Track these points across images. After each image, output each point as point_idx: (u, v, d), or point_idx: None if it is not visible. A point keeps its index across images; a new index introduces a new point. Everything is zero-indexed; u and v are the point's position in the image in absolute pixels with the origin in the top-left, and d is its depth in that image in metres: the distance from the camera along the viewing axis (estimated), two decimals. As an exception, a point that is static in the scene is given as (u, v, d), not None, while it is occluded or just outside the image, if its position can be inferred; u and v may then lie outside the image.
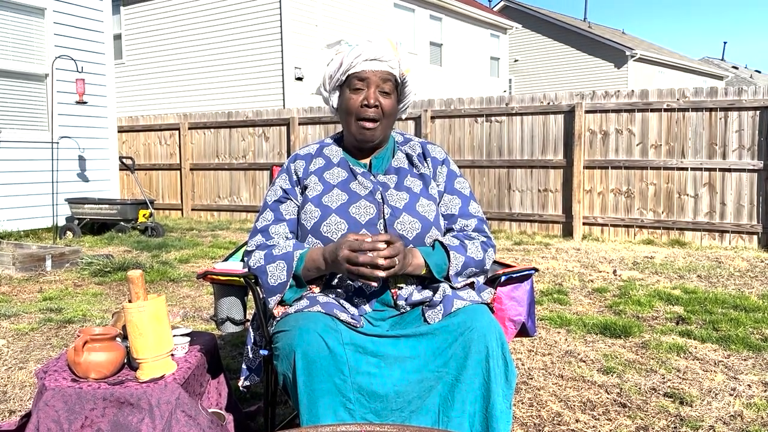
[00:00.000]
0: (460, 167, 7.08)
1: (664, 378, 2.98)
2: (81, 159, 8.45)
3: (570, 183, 7.98)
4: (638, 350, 3.40)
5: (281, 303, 1.85)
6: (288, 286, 1.83)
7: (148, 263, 5.89)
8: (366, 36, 1.96)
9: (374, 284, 1.77)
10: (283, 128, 9.98)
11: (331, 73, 1.95)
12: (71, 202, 8.10)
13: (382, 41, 1.93)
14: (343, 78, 1.93)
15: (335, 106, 2.01)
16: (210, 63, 14.69)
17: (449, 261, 1.85)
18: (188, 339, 2.15)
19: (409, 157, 2.05)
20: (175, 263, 6.10)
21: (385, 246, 1.69)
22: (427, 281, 1.88)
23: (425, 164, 2.04)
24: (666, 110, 7.44)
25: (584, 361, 3.22)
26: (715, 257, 6.42)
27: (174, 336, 2.11)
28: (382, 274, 1.67)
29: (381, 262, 1.67)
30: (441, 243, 1.89)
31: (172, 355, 2.04)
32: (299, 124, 9.85)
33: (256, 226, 1.99)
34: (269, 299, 1.84)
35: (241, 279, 1.95)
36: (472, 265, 1.90)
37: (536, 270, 2.15)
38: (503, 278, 2.03)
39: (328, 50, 1.98)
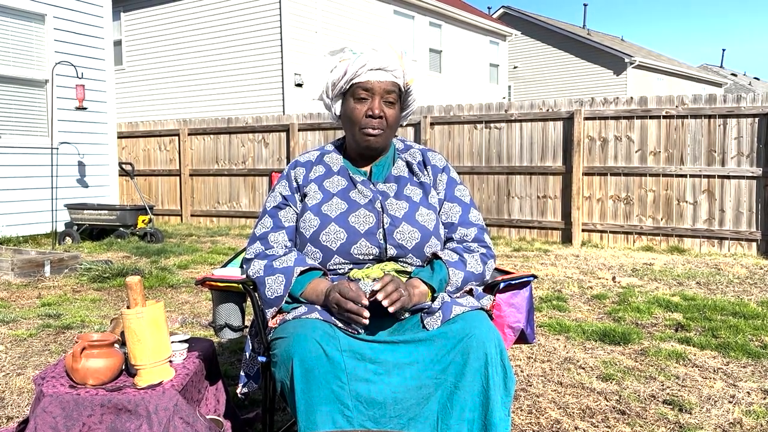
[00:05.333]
0: (459, 173, 7.07)
1: (663, 385, 2.98)
2: (80, 165, 8.45)
3: (569, 189, 7.99)
4: (637, 357, 3.40)
5: (279, 311, 1.85)
6: (284, 301, 1.83)
7: (147, 269, 5.89)
8: (366, 43, 1.95)
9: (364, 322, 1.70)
10: (283, 134, 9.99)
11: (334, 81, 1.94)
12: (70, 207, 8.10)
13: (386, 50, 1.92)
14: (347, 87, 1.93)
15: (338, 113, 2.01)
16: (210, 69, 14.71)
17: (449, 278, 1.85)
18: (186, 345, 2.15)
19: (409, 165, 2.04)
20: (174, 269, 6.09)
21: (367, 301, 1.67)
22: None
23: (425, 172, 2.04)
24: (665, 117, 7.46)
25: (583, 368, 3.22)
26: (714, 264, 6.42)
27: (172, 342, 2.11)
28: (365, 321, 1.66)
29: (385, 303, 1.65)
30: (440, 259, 1.88)
31: (171, 361, 2.04)
32: (299, 130, 9.86)
33: (255, 233, 1.99)
34: (266, 310, 1.84)
35: (240, 285, 1.95)
36: (472, 280, 1.90)
37: (535, 277, 2.15)
38: (502, 285, 2.03)
39: (332, 57, 1.97)
